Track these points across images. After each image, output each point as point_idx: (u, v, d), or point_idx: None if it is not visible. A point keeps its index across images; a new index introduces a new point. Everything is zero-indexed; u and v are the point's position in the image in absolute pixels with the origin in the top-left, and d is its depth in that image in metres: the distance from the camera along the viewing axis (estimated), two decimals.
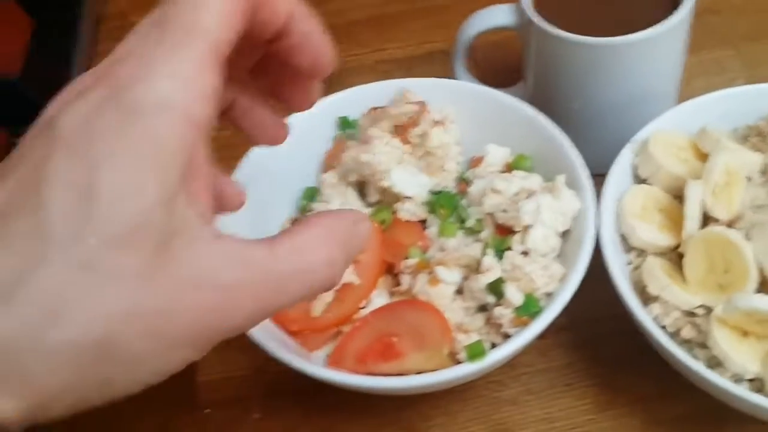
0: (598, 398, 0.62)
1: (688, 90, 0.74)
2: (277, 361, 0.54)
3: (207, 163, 0.34)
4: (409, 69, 0.90)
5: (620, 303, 0.55)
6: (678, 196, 0.60)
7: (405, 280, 0.60)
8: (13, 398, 0.28)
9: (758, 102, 0.64)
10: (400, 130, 0.63)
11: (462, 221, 0.62)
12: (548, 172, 0.62)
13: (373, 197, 0.64)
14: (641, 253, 0.59)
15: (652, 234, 0.58)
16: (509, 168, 0.64)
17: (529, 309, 0.55)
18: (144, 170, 0.30)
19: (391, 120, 0.64)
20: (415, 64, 0.91)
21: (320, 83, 0.43)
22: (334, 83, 0.90)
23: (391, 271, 0.62)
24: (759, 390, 0.51)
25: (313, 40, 0.38)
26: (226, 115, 0.43)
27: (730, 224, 0.56)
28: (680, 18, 0.63)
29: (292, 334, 0.60)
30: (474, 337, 0.56)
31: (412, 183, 0.62)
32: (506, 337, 0.56)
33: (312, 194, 0.67)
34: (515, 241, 0.58)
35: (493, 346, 0.57)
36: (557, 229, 0.58)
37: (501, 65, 0.86)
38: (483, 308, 0.58)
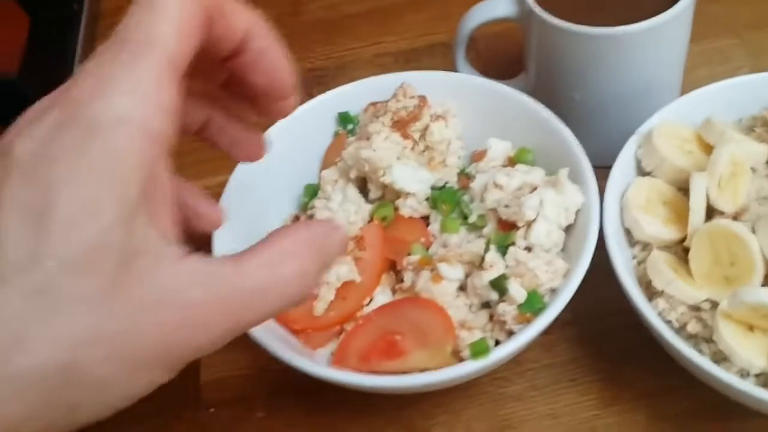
0: (602, 394, 0.61)
1: (691, 80, 0.74)
2: (280, 361, 0.54)
3: (170, 180, 0.33)
4: (409, 62, 0.89)
5: (625, 298, 0.55)
6: (683, 188, 0.59)
7: (408, 277, 0.59)
8: None
9: (763, 91, 0.63)
10: (401, 125, 0.63)
11: (465, 217, 0.61)
12: (551, 165, 0.62)
13: (375, 194, 0.64)
14: (646, 246, 0.59)
15: (657, 228, 0.58)
16: (511, 162, 0.64)
17: (532, 305, 0.54)
18: (102, 189, 0.29)
19: (391, 115, 0.63)
20: (414, 57, 0.90)
21: (290, 101, 0.42)
22: (332, 78, 0.89)
23: (393, 268, 0.62)
24: (765, 385, 0.51)
25: (270, 57, 0.38)
26: (200, 133, 0.43)
27: (735, 216, 0.55)
28: (682, 7, 0.62)
29: (295, 332, 0.59)
30: (477, 335, 0.55)
31: (413, 179, 0.61)
32: (510, 333, 0.55)
33: (313, 191, 0.66)
34: (518, 236, 0.58)
35: (497, 343, 0.56)
36: (560, 223, 0.58)
37: (503, 56, 0.85)
38: (486, 305, 0.57)
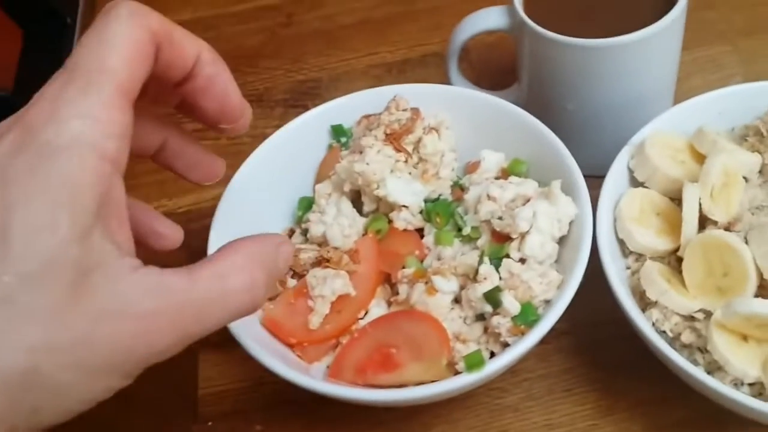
0: (598, 403, 0.61)
1: (684, 89, 0.74)
2: (275, 375, 0.54)
3: (125, 198, 0.35)
4: (402, 73, 0.90)
5: (619, 308, 0.55)
6: (676, 198, 0.59)
7: (403, 289, 0.59)
8: None
9: (756, 100, 0.63)
10: (394, 138, 0.63)
11: (459, 229, 0.61)
12: (544, 176, 0.62)
13: (369, 207, 0.64)
14: (640, 257, 0.59)
15: (650, 238, 0.58)
16: (505, 173, 0.64)
17: (526, 318, 0.54)
18: (56, 208, 0.31)
19: (384, 128, 0.63)
20: (408, 68, 0.90)
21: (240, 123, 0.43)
22: (325, 90, 0.90)
23: (388, 280, 0.62)
24: (759, 394, 0.51)
25: (219, 83, 0.40)
26: (156, 157, 0.45)
27: (728, 227, 0.56)
28: (673, 18, 0.62)
29: (291, 346, 0.59)
30: (472, 347, 0.56)
31: (406, 191, 0.61)
32: (505, 345, 0.55)
33: (307, 204, 0.66)
34: (512, 248, 0.58)
35: (492, 354, 0.56)
36: (554, 235, 0.58)
37: (497, 67, 0.86)
38: (481, 317, 0.57)
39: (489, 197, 0.59)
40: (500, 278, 0.56)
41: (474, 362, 0.52)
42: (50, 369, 0.31)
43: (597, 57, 0.64)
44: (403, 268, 0.60)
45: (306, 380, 0.53)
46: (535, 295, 0.55)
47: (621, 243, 0.59)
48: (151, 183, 0.82)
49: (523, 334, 0.54)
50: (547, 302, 0.56)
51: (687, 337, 0.54)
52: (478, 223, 0.60)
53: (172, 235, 0.46)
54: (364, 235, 0.63)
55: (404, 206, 0.62)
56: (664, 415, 0.60)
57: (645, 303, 0.56)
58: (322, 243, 0.62)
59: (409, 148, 0.64)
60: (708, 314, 0.54)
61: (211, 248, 0.60)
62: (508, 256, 0.58)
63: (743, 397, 0.49)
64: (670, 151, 0.60)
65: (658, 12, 0.63)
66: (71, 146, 0.32)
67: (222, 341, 0.53)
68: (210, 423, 0.65)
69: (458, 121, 0.68)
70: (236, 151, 0.68)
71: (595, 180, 0.61)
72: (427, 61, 0.90)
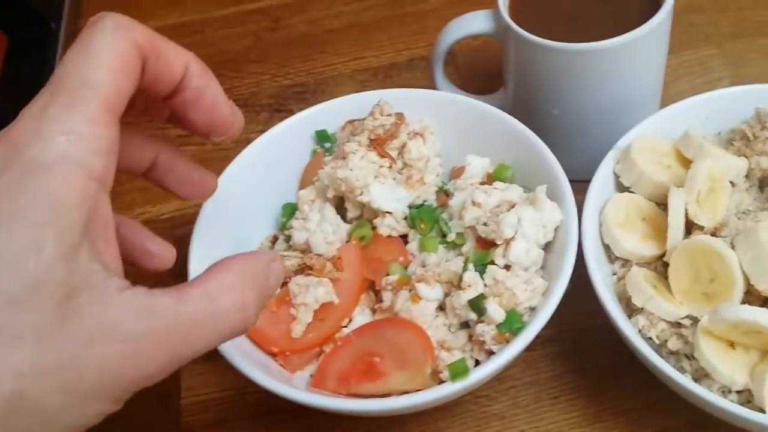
0: (585, 411, 0.61)
1: (671, 92, 0.74)
2: (257, 385, 0.53)
3: (112, 216, 0.34)
4: (389, 77, 0.89)
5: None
6: (662, 203, 0.59)
7: (387, 297, 0.59)
8: None
9: (742, 104, 0.63)
10: (378, 143, 0.62)
11: (443, 235, 0.61)
12: (529, 181, 0.61)
13: (353, 213, 0.63)
14: (626, 263, 0.58)
15: (636, 244, 0.57)
16: (490, 178, 0.63)
17: (511, 325, 0.53)
18: (42, 227, 0.30)
19: (368, 133, 0.63)
20: (395, 72, 0.90)
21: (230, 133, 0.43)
22: (311, 94, 0.89)
23: (373, 287, 0.61)
24: (747, 402, 0.51)
25: (208, 95, 0.39)
26: (147, 174, 0.44)
27: (715, 232, 0.55)
28: (658, 22, 0.62)
29: (274, 355, 0.58)
30: (457, 355, 0.55)
31: (390, 198, 0.61)
32: (490, 353, 0.55)
33: (291, 211, 0.65)
34: (497, 254, 0.57)
35: (477, 362, 0.56)
36: (539, 241, 0.57)
37: (483, 71, 0.85)
38: (466, 325, 0.56)
39: (473, 203, 0.59)
40: (485, 285, 0.56)
41: (458, 371, 0.52)
42: (37, 394, 0.30)
43: (582, 61, 0.63)
44: (387, 275, 0.59)
45: (288, 390, 0.52)
46: (520, 302, 0.55)
47: (607, 249, 0.59)
48: (134, 189, 0.81)
49: (507, 341, 0.53)
50: (533, 309, 0.56)
51: (674, 343, 0.54)
52: (463, 230, 0.60)
53: (163, 254, 0.45)
54: (347, 241, 0.62)
55: (388, 212, 0.61)
56: (652, 422, 0.59)
57: (631, 309, 0.55)
58: (306, 250, 0.61)
59: (394, 154, 0.64)
60: (695, 321, 0.53)
61: (193, 254, 0.59)
62: (493, 262, 0.57)
63: (731, 405, 0.48)
64: (655, 156, 0.60)
65: (643, 16, 0.62)
66: (56, 164, 0.31)
67: None
68: None
69: (443, 126, 0.67)
70: (221, 157, 0.67)
71: (581, 184, 0.61)
72: (414, 65, 0.90)
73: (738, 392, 0.51)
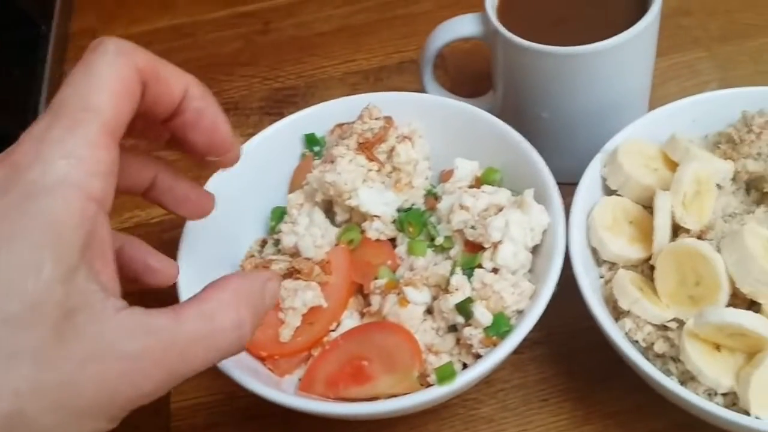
0: (574, 414, 0.61)
1: (660, 95, 0.74)
2: (246, 390, 0.53)
3: (110, 238, 0.35)
4: (379, 80, 0.89)
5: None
6: (649, 206, 0.59)
7: (375, 301, 0.59)
8: None
9: (729, 108, 0.63)
10: (366, 147, 0.62)
11: (432, 239, 0.61)
12: (518, 185, 0.61)
13: (341, 216, 0.63)
14: (613, 266, 0.59)
15: (623, 247, 0.57)
16: (479, 182, 0.64)
17: (498, 328, 0.54)
18: (41, 249, 0.31)
19: (357, 137, 0.63)
20: (385, 75, 0.90)
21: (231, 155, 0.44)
22: (302, 98, 0.89)
23: (361, 291, 0.61)
24: (732, 404, 0.51)
25: (208, 116, 0.40)
26: (147, 194, 0.45)
27: (701, 235, 0.55)
28: (645, 24, 0.62)
29: (262, 359, 0.59)
30: (445, 359, 0.55)
31: (379, 201, 0.61)
32: (477, 357, 0.55)
33: (280, 215, 0.65)
34: (485, 258, 0.57)
35: (465, 366, 0.56)
36: (527, 244, 0.58)
37: (472, 74, 0.86)
38: (453, 328, 0.57)
39: (461, 207, 0.59)
40: (472, 289, 0.56)
41: (445, 374, 0.52)
42: (35, 412, 0.30)
43: (570, 64, 0.63)
44: (376, 278, 0.60)
45: (276, 395, 0.52)
46: (508, 306, 0.55)
47: (594, 252, 0.59)
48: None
49: (495, 345, 0.53)
50: (520, 312, 0.56)
51: (660, 346, 0.54)
52: (451, 233, 0.60)
53: (166, 270, 0.46)
54: (336, 245, 0.62)
55: (376, 216, 0.61)
56: (640, 424, 0.59)
57: (618, 312, 0.55)
58: (295, 254, 0.62)
59: (383, 157, 0.64)
60: (681, 323, 0.53)
61: (181, 258, 0.59)
62: (480, 266, 0.57)
63: (716, 408, 0.48)
64: (642, 159, 0.60)
65: (631, 19, 0.63)
66: (57, 186, 0.32)
67: None
68: None
69: (432, 130, 0.67)
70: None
71: (570, 187, 0.61)
72: (404, 68, 0.90)
73: (724, 395, 0.51)
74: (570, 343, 0.64)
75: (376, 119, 0.65)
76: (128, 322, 0.33)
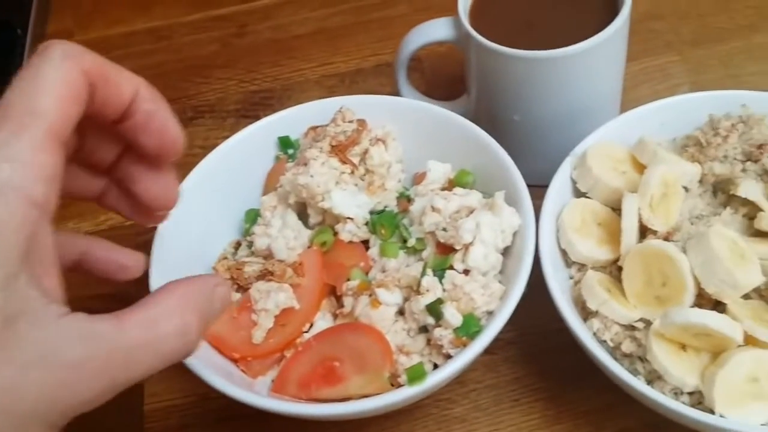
0: (545, 413, 0.62)
1: (632, 98, 0.75)
2: (216, 391, 0.53)
3: (52, 243, 0.35)
4: (355, 83, 0.90)
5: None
6: (617, 209, 0.60)
7: (348, 302, 0.59)
8: None
9: (696, 111, 0.64)
10: (340, 150, 0.63)
11: (404, 241, 0.61)
12: (489, 187, 0.62)
13: (315, 219, 0.64)
14: (582, 267, 0.59)
15: (591, 248, 0.58)
16: (451, 184, 0.64)
17: (468, 329, 0.54)
18: None
19: (330, 139, 0.63)
20: (361, 78, 0.90)
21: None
22: (278, 100, 0.89)
23: (334, 293, 0.62)
24: (698, 403, 0.52)
25: (158, 118, 0.39)
26: (100, 201, 0.45)
27: (668, 236, 0.56)
28: (615, 29, 0.63)
29: (235, 361, 0.59)
30: (416, 359, 0.55)
31: (351, 203, 0.61)
32: (448, 357, 0.55)
33: (254, 217, 0.66)
34: (456, 259, 0.58)
35: (436, 366, 0.56)
36: (497, 246, 0.58)
37: (448, 77, 0.86)
38: (425, 329, 0.57)
39: (433, 209, 0.59)
40: (443, 290, 0.56)
41: (415, 375, 0.52)
42: None
43: (541, 68, 0.64)
44: (348, 280, 0.60)
45: (248, 396, 0.53)
46: (478, 307, 0.55)
47: (564, 253, 0.60)
48: None
49: (465, 345, 0.54)
50: (490, 313, 0.56)
51: (627, 346, 0.54)
52: (423, 235, 0.60)
53: (134, 264, 0.46)
54: (309, 247, 0.62)
55: (349, 218, 0.61)
56: (610, 423, 0.60)
57: (587, 313, 0.56)
58: (268, 256, 0.62)
59: (356, 160, 0.64)
60: (648, 324, 0.54)
61: (154, 261, 0.59)
62: (452, 267, 0.58)
63: (682, 407, 0.49)
64: (611, 162, 0.61)
65: (601, 23, 0.63)
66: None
67: None
68: None
69: (405, 132, 0.68)
70: (188, 163, 0.68)
71: (542, 189, 0.62)
72: (381, 71, 0.90)
73: (690, 394, 0.52)
74: (541, 343, 0.65)
75: (349, 122, 0.65)
76: (70, 329, 0.33)
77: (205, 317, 0.38)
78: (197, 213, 0.65)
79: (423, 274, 0.57)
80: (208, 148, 0.68)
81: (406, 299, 0.58)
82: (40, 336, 0.32)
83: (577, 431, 0.60)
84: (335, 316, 0.61)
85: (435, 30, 0.70)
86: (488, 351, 0.54)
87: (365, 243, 0.63)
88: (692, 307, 0.53)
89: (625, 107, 0.71)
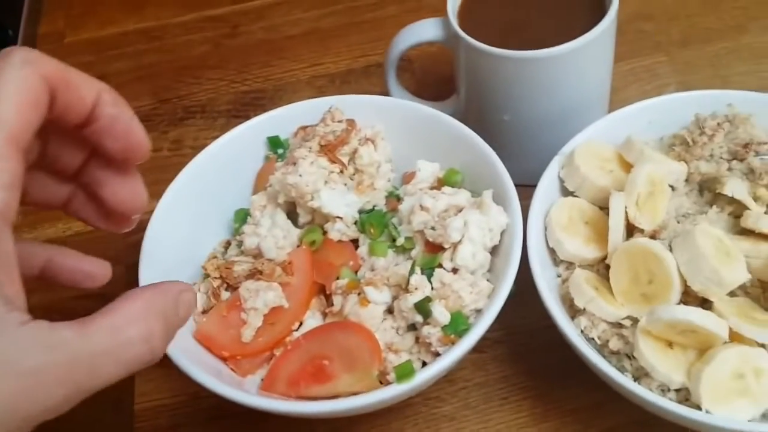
0: (533, 411, 0.62)
1: (620, 98, 0.75)
2: (206, 390, 0.53)
3: (13, 250, 0.34)
4: (346, 83, 0.90)
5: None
6: (605, 207, 0.60)
7: (337, 301, 0.59)
8: None
9: (684, 110, 0.64)
10: (329, 149, 0.63)
11: (393, 240, 0.62)
12: (478, 186, 0.62)
13: (304, 218, 0.64)
14: (570, 265, 0.60)
15: (579, 247, 0.59)
16: (440, 183, 0.64)
17: (456, 327, 0.54)
18: None
19: (319, 139, 0.63)
20: (352, 79, 0.91)
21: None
22: (269, 100, 0.90)
23: (324, 292, 0.62)
24: (685, 400, 0.52)
25: (122, 122, 0.39)
26: (65, 209, 0.44)
27: (654, 234, 0.57)
28: (602, 29, 0.63)
29: (225, 359, 0.59)
30: (404, 357, 0.56)
31: (340, 203, 0.61)
32: (437, 355, 0.56)
33: (244, 216, 0.66)
34: (444, 258, 0.58)
35: (425, 364, 0.57)
36: (486, 244, 0.58)
37: (438, 77, 0.86)
38: (413, 327, 0.57)
39: (422, 207, 0.60)
40: (432, 288, 0.57)
41: (404, 372, 0.52)
42: None
43: (529, 68, 0.64)
44: (338, 279, 0.60)
45: (238, 394, 0.53)
46: (466, 305, 0.56)
47: (552, 252, 0.60)
48: None
49: (453, 343, 0.54)
50: (479, 311, 0.57)
51: (614, 344, 0.55)
52: (412, 234, 0.61)
53: (100, 271, 0.45)
54: (298, 246, 0.62)
55: (339, 217, 0.62)
56: (598, 421, 0.61)
57: (574, 311, 0.57)
58: (257, 255, 0.62)
59: (345, 159, 0.64)
60: (635, 321, 0.54)
61: (144, 262, 0.60)
62: (440, 266, 0.58)
63: (668, 404, 0.50)
64: (598, 161, 0.61)
65: (589, 23, 0.64)
66: None
67: None
68: None
69: (394, 132, 0.68)
70: (178, 163, 0.68)
71: (531, 189, 0.62)
72: (371, 72, 0.91)
73: (676, 390, 0.53)
74: (530, 342, 0.65)
75: (338, 122, 0.65)
76: (31, 336, 0.32)
77: (170, 323, 0.37)
78: (187, 212, 0.65)
79: (411, 272, 0.57)
80: (198, 149, 0.69)
81: (394, 298, 0.58)
82: (1, 344, 0.31)
83: (565, 429, 0.60)
84: (324, 315, 0.61)
85: (424, 30, 0.70)
86: (477, 350, 0.55)
87: (354, 242, 0.63)
88: (678, 304, 0.53)
89: (613, 107, 0.71)
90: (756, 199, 0.58)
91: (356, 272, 0.61)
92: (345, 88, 0.89)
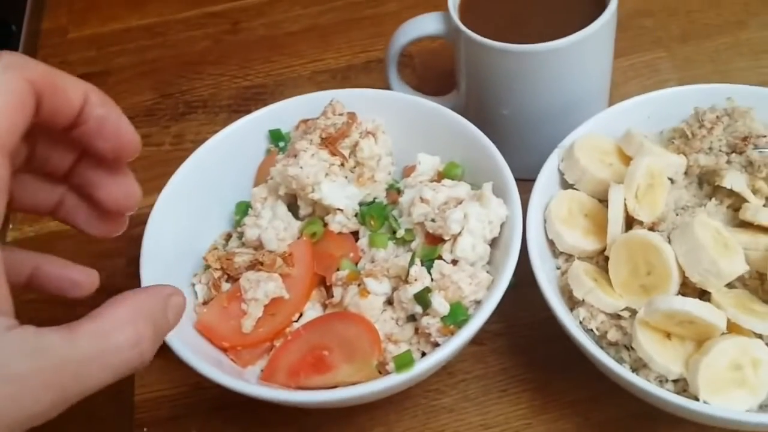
0: (532, 403, 0.62)
1: (621, 93, 0.75)
2: (208, 380, 0.54)
3: (1, 256, 0.34)
4: (346, 79, 0.90)
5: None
6: (604, 200, 0.60)
7: (337, 292, 0.60)
8: None
9: (682, 104, 0.65)
10: (329, 142, 0.63)
11: (393, 231, 0.62)
12: (478, 179, 0.63)
13: (305, 210, 0.64)
14: (569, 257, 0.60)
15: (578, 239, 0.59)
16: (441, 176, 0.65)
17: (455, 318, 0.55)
18: None
19: (320, 132, 0.64)
20: (352, 74, 0.91)
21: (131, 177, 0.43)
22: (270, 95, 0.90)
23: (324, 283, 0.62)
24: (683, 390, 0.52)
25: (111, 122, 0.39)
26: (54, 214, 0.44)
27: (653, 226, 0.57)
28: (602, 23, 0.63)
29: (225, 350, 0.59)
30: (404, 347, 0.56)
31: (341, 195, 0.62)
32: (436, 345, 0.56)
33: (244, 209, 0.66)
34: (444, 249, 0.58)
35: (424, 355, 0.57)
36: (485, 236, 0.59)
37: (439, 72, 0.87)
38: (413, 318, 0.58)
39: (422, 199, 0.60)
40: (432, 279, 0.57)
41: (403, 362, 0.53)
42: None
43: (530, 62, 0.65)
44: (338, 270, 0.60)
45: (238, 384, 0.53)
46: (465, 296, 0.56)
47: (551, 244, 0.60)
48: None
49: (452, 333, 0.54)
50: (478, 302, 0.57)
51: (613, 335, 0.55)
52: (412, 226, 0.61)
53: (86, 280, 0.44)
54: (299, 238, 0.63)
55: (339, 209, 0.62)
56: (596, 413, 0.61)
57: (573, 302, 0.57)
58: (258, 247, 0.62)
59: (346, 152, 0.65)
60: (633, 312, 0.55)
61: (145, 255, 0.60)
62: (440, 257, 0.58)
63: (666, 394, 0.50)
64: (598, 154, 0.62)
65: (589, 18, 0.64)
66: None
67: None
68: (145, 429, 0.65)
69: (395, 126, 0.68)
70: (179, 157, 0.68)
71: (531, 183, 0.62)
72: (371, 67, 0.91)
73: (674, 381, 0.53)
74: (529, 334, 0.65)
75: (339, 115, 0.66)
76: (18, 342, 0.32)
77: (158, 327, 0.37)
78: (188, 205, 0.65)
79: (411, 263, 0.57)
80: (199, 143, 0.69)
81: (394, 289, 0.58)
82: None
83: (564, 420, 0.61)
84: (325, 306, 0.61)
85: (425, 25, 0.70)
86: (477, 342, 0.55)
87: (355, 234, 0.64)
88: (677, 295, 0.53)
89: (613, 103, 0.71)
90: (755, 191, 0.58)
91: (356, 264, 0.61)
92: (345, 84, 0.90)
